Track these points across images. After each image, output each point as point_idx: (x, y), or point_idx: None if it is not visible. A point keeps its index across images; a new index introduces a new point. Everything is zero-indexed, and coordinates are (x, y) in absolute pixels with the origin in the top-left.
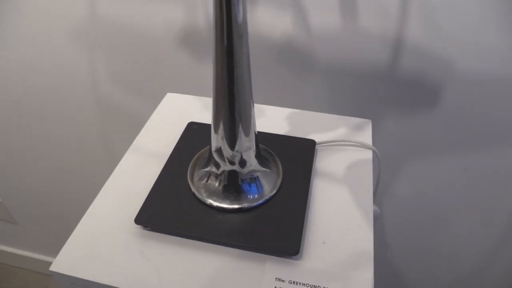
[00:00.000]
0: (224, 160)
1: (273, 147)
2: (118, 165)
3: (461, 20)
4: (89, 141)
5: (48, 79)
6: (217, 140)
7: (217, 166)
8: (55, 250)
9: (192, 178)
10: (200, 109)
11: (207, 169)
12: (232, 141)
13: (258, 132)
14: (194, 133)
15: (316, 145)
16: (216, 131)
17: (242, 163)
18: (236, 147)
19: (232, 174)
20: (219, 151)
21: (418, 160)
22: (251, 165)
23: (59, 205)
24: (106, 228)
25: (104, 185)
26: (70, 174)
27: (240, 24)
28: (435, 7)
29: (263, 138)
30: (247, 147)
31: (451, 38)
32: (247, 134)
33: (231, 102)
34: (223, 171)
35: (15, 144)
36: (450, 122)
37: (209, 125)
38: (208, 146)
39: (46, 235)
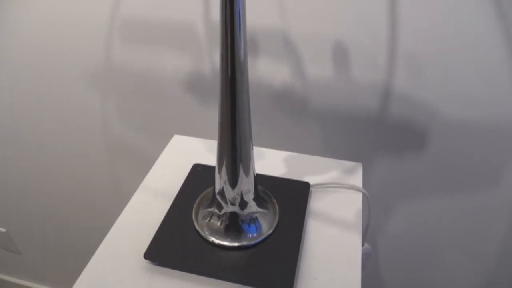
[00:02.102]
0: (226, 202)
1: (271, 188)
2: (129, 203)
3: (444, 71)
4: (98, 177)
5: (61, 116)
6: (220, 180)
7: (220, 207)
8: (57, 280)
9: (196, 217)
10: (204, 151)
11: (210, 209)
12: (233, 181)
13: (257, 174)
14: (199, 174)
15: (311, 187)
16: (219, 171)
17: (242, 205)
18: (237, 188)
19: (233, 215)
20: (221, 193)
21: (408, 198)
22: (250, 206)
23: (63, 236)
24: (117, 262)
25: (115, 222)
26: (76, 207)
27: (241, 62)
28: (420, 59)
29: (262, 180)
30: (247, 189)
31: (435, 87)
32: (247, 174)
33: (234, 143)
34: (225, 213)
35: (23, 176)
36: (437, 163)
37: (212, 167)
38: (212, 187)
39: (49, 266)
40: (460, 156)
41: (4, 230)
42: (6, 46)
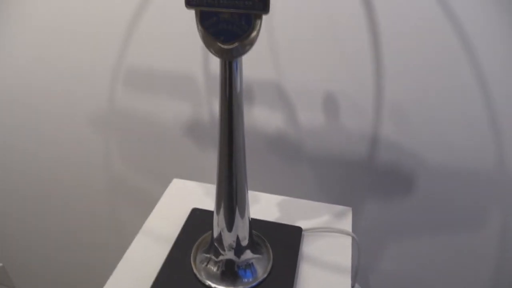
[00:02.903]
0: (223, 249)
1: (265, 233)
2: (130, 247)
3: (428, 120)
4: (99, 215)
5: (63, 155)
6: (217, 225)
7: (217, 253)
8: None
9: (195, 261)
10: (201, 194)
11: (208, 255)
12: (230, 224)
13: (252, 218)
14: (197, 219)
15: (303, 232)
16: (217, 214)
17: (238, 252)
18: (233, 232)
19: (229, 262)
20: (219, 239)
21: (398, 239)
22: (246, 253)
23: (62, 275)
24: None
25: (117, 267)
26: (76, 244)
27: (238, 95)
28: (404, 108)
29: (256, 224)
30: (243, 236)
31: (420, 135)
32: (243, 218)
33: (231, 189)
34: (222, 260)
35: (23, 210)
36: (425, 206)
37: (210, 211)
38: (209, 232)
39: None
40: (447, 199)
41: (0, 264)
42: (11, 85)
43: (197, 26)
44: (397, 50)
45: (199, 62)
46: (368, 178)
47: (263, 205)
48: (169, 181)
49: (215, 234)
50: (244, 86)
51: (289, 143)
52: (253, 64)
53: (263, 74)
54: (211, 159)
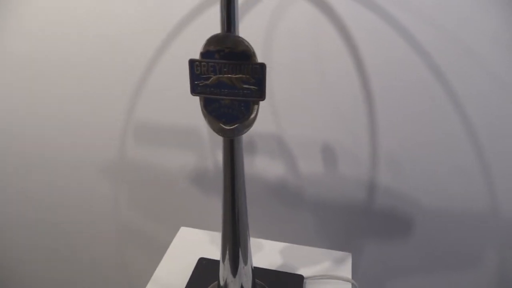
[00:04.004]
0: None
1: (268, 282)
2: None
3: (421, 167)
4: (106, 262)
5: (73, 202)
6: (223, 271)
7: None
8: None
9: None
10: (207, 242)
11: None
12: (234, 269)
13: (255, 267)
14: (204, 268)
15: (304, 279)
16: (223, 260)
17: None
18: (237, 278)
19: None
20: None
21: (397, 282)
22: None
23: None
24: None
25: None
26: None
27: (240, 168)
28: (398, 156)
29: (259, 273)
30: (247, 286)
31: (415, 181)
32: (245, 262)
33: (235, 239)
34: None
35: (31, 259)
36: (423, 249)
37: (215, 260)
38: (216, 282)
39: None
40: (443, 242)
41: None
42: (24, 135)
43: (202, 110)
44: (389, 103)
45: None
46: (366, 223)
47: (266, 252)
48: (176, 228)
49: (222, 283)
50: (245, 138)
51: (290, 191)
52: None
53: (264, 127)
54: (215, 206)
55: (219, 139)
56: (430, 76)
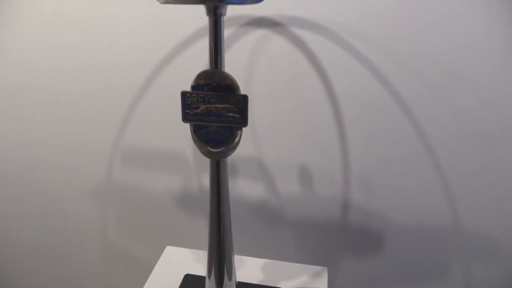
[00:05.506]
0: None
1: None
2: None
3: (389, 186)
4: (92, 280)
5: (59, 225)
6: (209, 287)
7: None
8: None
9: None
10: (192, 260)
11: None
12: (220, 284)
13: (239, 282)
14: (189, 284)
15: None
16: (209, 276)
17: None
18: None
19: None
20: None
21: None
22: None
23: None
24: None
25: None
26: None
27: (225, 188)
28: (369, 177)
29: None
30: None
31: (384, 200)
32: (230, 278)
33: (220, 255)
34: None
35: (18, 280)
36: (395, 263)
37: (201, 276)
38: None
39: None
40: (413, 255)
41: None
42: (12, 157)
43: (191, 135)
44: (358, 127)
45: (190, 142)
46: (341, 239)
47: (248, 268)
48: (162, 248)
49: None
50: (229, 162)
51: (270, 210)
52: None
53: (246, 151)
54: (200, 227)
55: (204, 163)
56: (393, 102)
